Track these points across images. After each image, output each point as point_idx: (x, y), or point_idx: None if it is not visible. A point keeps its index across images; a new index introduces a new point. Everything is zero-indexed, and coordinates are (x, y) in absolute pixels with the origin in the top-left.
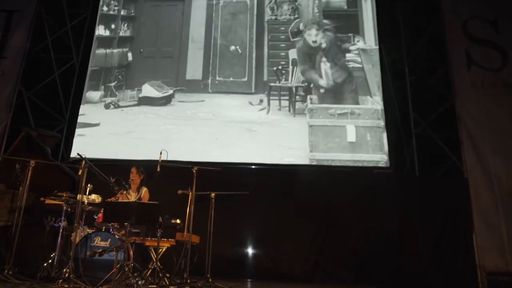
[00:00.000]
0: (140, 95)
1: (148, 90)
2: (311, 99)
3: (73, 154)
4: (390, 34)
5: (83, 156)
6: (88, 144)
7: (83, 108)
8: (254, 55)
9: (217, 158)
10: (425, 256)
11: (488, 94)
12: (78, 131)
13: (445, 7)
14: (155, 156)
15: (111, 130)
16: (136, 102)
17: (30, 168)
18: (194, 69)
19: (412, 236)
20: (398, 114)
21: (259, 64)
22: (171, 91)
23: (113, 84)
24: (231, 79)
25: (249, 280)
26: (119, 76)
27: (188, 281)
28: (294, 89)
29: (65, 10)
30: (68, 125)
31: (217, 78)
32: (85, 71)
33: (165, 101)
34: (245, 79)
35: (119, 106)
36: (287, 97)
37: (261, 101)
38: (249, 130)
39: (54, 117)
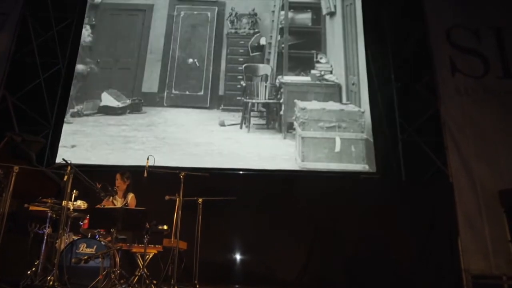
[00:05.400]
0: (101, 104)
1: (107, 99)
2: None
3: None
4: (376, 40)
5: (69, 162)
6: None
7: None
8: (211, 68)
9: (205, 163)
10: (413, 260)
11: (471, 100)
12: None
13: (430, 15)
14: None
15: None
16: (96, 111)
17: (14, 173)
18: (150, 82)
19: (399, 241)
20: (385, 120)
21: (215, 78)
22: (129, 101)
23: (73, 93)
24: (187, 92)
25: (237, 286)
26: (78, 86)
27: (176, 287)
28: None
29: (51, 14)
30: (53, 130)
31: (173, 91)
32: (71, 76)
33: (122, 111)
34: (201, 93)
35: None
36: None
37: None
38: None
39: (39, 122)
